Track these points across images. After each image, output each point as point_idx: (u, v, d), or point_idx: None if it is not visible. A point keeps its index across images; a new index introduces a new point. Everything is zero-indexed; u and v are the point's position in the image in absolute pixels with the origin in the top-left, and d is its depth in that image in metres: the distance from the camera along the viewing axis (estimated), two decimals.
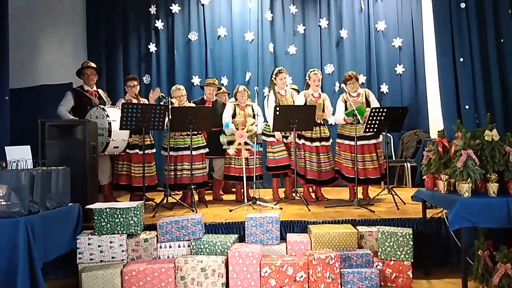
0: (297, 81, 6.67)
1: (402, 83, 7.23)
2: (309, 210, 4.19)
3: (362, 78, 7.06)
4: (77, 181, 3.63)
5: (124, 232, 3.35)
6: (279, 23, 7.17)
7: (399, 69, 7.23)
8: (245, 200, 4.68)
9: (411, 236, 3.28)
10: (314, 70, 5.15)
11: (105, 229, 3.34)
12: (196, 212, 4.18)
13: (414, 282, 3.28)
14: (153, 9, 7.07)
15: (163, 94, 4.94)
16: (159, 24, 7.03)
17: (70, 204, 3.38)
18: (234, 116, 5.01)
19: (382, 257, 3.32)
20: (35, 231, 2.76)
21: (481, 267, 3.02)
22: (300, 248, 3.41)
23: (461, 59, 3.89)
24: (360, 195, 4.86)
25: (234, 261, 3.18)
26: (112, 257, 3.30)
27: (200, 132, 4.97)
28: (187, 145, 4.71)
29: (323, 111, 5.10)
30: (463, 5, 3.90)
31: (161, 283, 3.16)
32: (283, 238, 3.59)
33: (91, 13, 6.70)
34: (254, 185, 4.72)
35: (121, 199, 5.07)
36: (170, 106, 4.46)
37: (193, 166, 4.65)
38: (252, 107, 5.16)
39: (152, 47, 7.02)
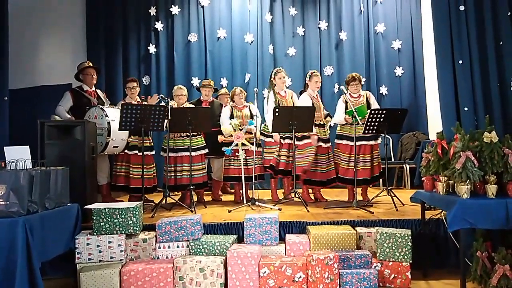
0: (297, 83, 6.70)
1: (401, 85, 7.24)
2: (308, 211, 4.19)
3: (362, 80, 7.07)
4: (76, 181, 3.63)
5: (123, 232, 3.35)
6: (279, 25, 7.19)
7: (399, 71, 7.24)
8: (244, 201, 4.68)
9: (410, 237, 3.29)
10: (315, 72, 5.18)
11: (103, 229, 3.34)
12: (195, 212, 4.18)
13: (413, 283, 3.28)
14: (153, 11, 7.08)
15: (162, 95, 4.95)
16: (159, 25, 7.04)
17: (69, 204, 3.38)
18: (232, 118, 5.02)
19: (381, 258, 3.32)
20: (34, 231, 2.76)
21: (480, 268, 3.02)
22: (299, 248, 3.41)
23: (460, 61, 3.90)
24: (359, 197, 4.86)
25: (233, 262, 3.18)
26: (111, 257, 3.30)
27: (199, 133, 4.97)
28: (187, 146, 4.71)
29: (322, 112, 5.14)
30: (462, 7, 3.91)
31: (159, 283, 3.16)
32: (282, 239, 3.59)
33: (91, 14, 6.71)
34: (253, 185, 4.72)
35: (120, 200, 5.06)
36: (169, 107, 4.46)
37: (192, 167, 4.65)
38: (249, 108, 5.17)
39: (152, 48, 7.03)
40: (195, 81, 6.95)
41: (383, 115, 4.44)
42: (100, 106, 4.62)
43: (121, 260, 3.31)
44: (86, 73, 4.99)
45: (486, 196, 2.89)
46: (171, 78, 6.97)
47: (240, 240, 3.61)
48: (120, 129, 4.34)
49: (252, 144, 4.81)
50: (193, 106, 5.17)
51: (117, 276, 3.13)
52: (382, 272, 3.29)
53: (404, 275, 3.27)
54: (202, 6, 7.10)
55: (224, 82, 6.97)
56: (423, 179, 3.44)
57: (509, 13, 3.85)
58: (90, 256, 3.28)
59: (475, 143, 2.95)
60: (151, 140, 5.12)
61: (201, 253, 3.40)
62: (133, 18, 7.03)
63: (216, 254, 3.37)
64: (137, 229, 3.40)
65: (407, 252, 3.27)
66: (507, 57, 3.79)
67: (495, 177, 2.88)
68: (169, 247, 3.43)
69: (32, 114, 5.35)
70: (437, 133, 3.31)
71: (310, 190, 5.20)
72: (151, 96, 5.14)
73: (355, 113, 4.48)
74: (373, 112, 4.43)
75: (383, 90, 7.19)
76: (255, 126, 4.91)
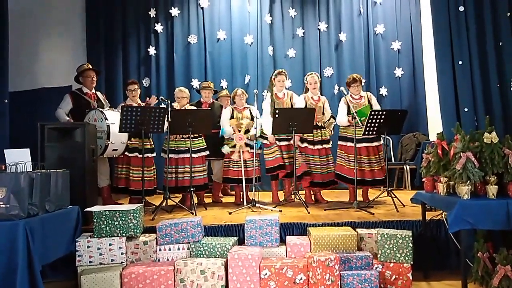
0: (297, 85, 6.70)
1: (401, 86, 7.24)
2: (309, 213, 4.19)
3: None
4: (76, 183, 3.63)
5: (124, 234, 3.35)
6: (279, 26, 7.19)
7: (398, 72, 7.24)
8: (245, 203, 4.68)
9: (411, 238, 3.28)
10: (311, 74, 5.20)
11: (104, 232, 3.33)
12: (196, 214, 4.18)
13: (414, 284, 3.28)
14: (152, 12, 7.08)
15: (162, 97, 4.95)
16: (159, 27, 7.05)
17: (69, 206, 3.38)
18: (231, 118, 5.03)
19: (382, 259, 3.32)
20: (34, 234, 2.76)
21: (481, 269, 3.02)
22: (299, 250, 3.40)
23: (460, 62, 3.91)
24: (359, 198, 4.85)
25: (234, 264, 3.17)
26: (112, 260, 3.29)
27: (200, 134, 4.97)
28: (188, 148, 4.71)
29: (323, 114, 5.13)
30: (461, 8, 3.92)
31: (160, 286, 3.16)
32: (282, 241, 3.58)
33: (91, 16, 6.72)
34: (254, 187, 4.71)
35: (121, 202, 5.06)
36: (169, 109, 4.46)
37: (193, 169, 4.65)
38: (250, 109, 5.17)
39: (152, 50, 7.03)
40: (195, 83, 6.95)
41: (383, 116, 4.44)
42: (100, 109, 4.62)
43: (121, 262, 3.30)
44: (85, 75, 4.99)
45: (487, 197, 2.89)
46: (171, 80, 6.98)
47: (241, 242, 3.61)
48: (120, 131, 4.34)
49: (252, 147, 4.80)
50: (194, 108, 5.17)
51: (117, 279, 3.13)
52: (383, 273, 3.29)
53: (405, 276, 3.26)
54: (202, 8, 7.11)
55: (224, 83, 6.97)
56: (423, 180, 3.44)
57: (509, 13, 3.86)
58: (90, 259, 3.28)
59: (476, 143, 2.95)
60: (152, 142, 5.12)
61: (201, 255, 3.40)
62: (133, 20, 7.04)
63: (217, 256, 3.36)
64: (138, 231, 3.39)
65: (408, 253, 3.27)
66: (507, 58, 3.80)
67: (495, 177, 2.88)
68: (169, 249, 3.43)
69: (32, 116, 5.35)
70: (437, 134, 3.30)
71: (312, 192, 5.19)
72: (149, 98, 5.13)
73: (355, 115, 4.48)
74: (373, 113, 4.43)
75: (383, 91, 7.19)
76: (255, 128, 4.91)
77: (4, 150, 3.14)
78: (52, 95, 5.53)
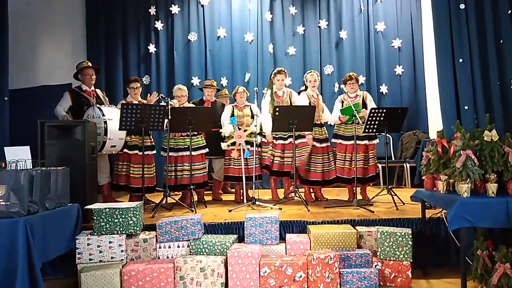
0: (297, 82, 6.69)
1: (402, 84, 7.23)
2: (308, 210, 4.19)
3: (362, 79, 7.07)
4: (77, 181, 3.63)
5: (123, 232, 3.35)
6: (279, 24, 7.18)
7: (399, 69, 7.23)
8: (245, 201, 4.68)
9: (410, 236, 3.29)
10: (311, 72, 5.20)
11: (104, 229, 3.34)
12: (196, 212, 4.18)
13: (413, 282, 3.28)
14: (152, 10, 7.07)
15: (162, 95, 4.95)
16: (159, 25, 7.04)
17: (69, 204, 3.38)
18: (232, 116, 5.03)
19: (381, 257, 3.32)
20: (34, 231, 2.76)
21: (480, 267, 3.02)
22: (299, 248, 3.41)
23: (461, 60, 3.90)
24: (359, 196, 4.86)
25: (234, 261, 3.18)
26: (111, 257, 3.30)
27: (200, 132, 4.97)
28: (187, 146, 4.71)
29: (322, 112, 5.15)
30: (462, 6, 3.91)
31: (160, 283, 3.16)
32: (282, 238, 3.59)
33: (91, 14, 6.71)
34: (254, 185, 4.71)
35: (121, 200, 5.06)
36: (169, 107, 4.45)
37: (192, 167, 4.65)
38: (250, 107, 5.16)
39: (152, 48, 7.02)
40: (195, 81, 6.95)
41: (383, 114, 4.43)
42: (97, 106, 4.61)
43: (121, 260, 3.31)
44: (85, 73, 4.98)
45: (487, 195, 2.89)
46: (171, 78, 6.97)
47: (241, 239, 3.61)
48: (120, 129, 4.34)
49: (252, 144, 4.80)
50: (193, 105, 5.17)
51: (117, 276, 3.13)
52: (382, 271, 3.29)
53: (405, 274, 3.27)
54: (202, 5, 7.10)
55: (224, 81, 6.97)
56: (423, 178, 3.43)
57: (510, 11, 3.85)
58: (90, 256, 3.28)
59: (476, 141, 2.95)
60: (152, 139, 5.11)
61: (201, 253, 3.40)
62: (133, 18, 7.03)
63: (217, 253, 3.37)
64: (138, 229, 3.40)
65: (408, 251, 3.27)
66: (508, 56, 3.80)
67: (495, 175, 2.88)
68: (169, 247, 3.43)
69: (32, 114, 5.35)
70: (437, 131, 3.30)
71: (311, 190, 5.19)
72: (150, 94, 5.13)
73: (355, 112, 4.48)
74: (373, 111, 4.43)
75: (383, 89, 7.18)
76: (255, 126, 4.91)
77: (4, 147, 3.14)
78: (52, 93, 5.51)
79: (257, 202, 4.49)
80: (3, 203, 2.72)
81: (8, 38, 4.19)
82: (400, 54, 7.26)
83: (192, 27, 7.07)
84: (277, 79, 5.06)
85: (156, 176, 5.13)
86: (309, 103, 4.98)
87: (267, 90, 5.25)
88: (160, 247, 3.43)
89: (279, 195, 5.23)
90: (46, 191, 3.02)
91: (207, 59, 7.04)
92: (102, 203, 3.78)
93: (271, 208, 4.38)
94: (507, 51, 3.85)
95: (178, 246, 3.44)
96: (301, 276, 3.13)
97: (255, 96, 4.90)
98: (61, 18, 6.32)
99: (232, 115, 5.04)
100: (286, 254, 3.42)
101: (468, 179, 2.84)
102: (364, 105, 4.91)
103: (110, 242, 3.30)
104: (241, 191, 5.01)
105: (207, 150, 5.03)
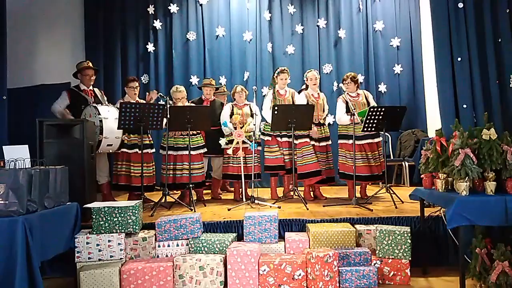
0: (296, 81, 6.69)
1: (400, 83, 7.25)
2: (308, 209, 4.20)
3: (360, 78, 7.08)
4: (75, 180, 3.62)
5: (122, 231, 3.35)
6: (278, 23, 7.18)
7: (397, 68, 7.24)
8: (244, 199, 4.68)
9: (409, 235, 3.29)
10: (311, 70, 5.19)
11: (103, 228, 3.33)
12: (195, 211, 4.18)
13: (412, 280, 3.29)
14: (151, 9, 7.07)
15: (161, 94, 4.95)
16: (157, 24, 7.04)
17: (68, 203, 3.37)
18: (232, 116, 5.02)
19: (380, 255, 3.33)
20: (33, 230, 2.75)
21: (479, 265, 3.03)
22: (298, 246, 3.41)
23: (459, 59, 3.91)
24: (358, 194, 4.86)
25: (233, 260, 3.18)
26: (111, 256, 3.30)
27: (199, 131, 4.97)
28: (187, 145, 4.70)
29: (323, 111, 5.15)
30: (461, 5, 3.92)
31: (159, 282, 3.16)
32: (281, 237, 3.60)
33: (89, 13, 6.71)
34: (253, 184, 4.72)
35: (120, 199, 5.06)
36: (168, 106, 4.45)
37: (191, 166, 4.65)
38: (250, 106, 5.17)
39: (150, 47, 7.02)
40: (194, 80, 6.95)
41: (382, 113, 4.43)
42: (94, 105, 4.60)
43: (120, 259, 3.31)
44: (85, 73, 4.97)
45: (485, 193, 2.89)
46: (170, 77, 6.98)
47: (240, 238, 3.61)
48: (119, 128, 4.33)
49: (252, 142, 4.80)
50: (193, 104, 5.17)
51: (117, 275, 3.13)
52: (381, 269, 3.30)
53: (404, 272, 3.28)
54: (201, 5, 7.10)
55: (223, 80, 6.97)
56: (422, 176, 3.44)
57: (508, 10, 3.86)
58: (89, 255, 3.28)
59: (474, 140, 2.95)
60: (151, 138, 5.11)
61: (200, 252, 3.40)
62: (132, 17, 7.03)
63: (216, 252, 3.37)
64: (137, 228, 3.40)
65: (407, 249, 3.28)
66: (506, 55, 3.80)
67: (494, 174, 2.88)
68: (168, 245, 3.43)
69: (31, 113, 5.35)
70: (436, 130, 3.31)
71: (311, 188, 5.20)
72: (148, 94, 5.12)
73: (355, 114, 4.50)
74: (372, 110, 4.43)
75: (382, 87, 7.19)
76: (254, 125, 4.91)
77: (3, 146, 3.14)
78: (51, 92, 5.51)
79: (256, 201, 4.49)
80: (2, 202, 2.71)
81: (7, 37, 4.19)
82: (398, 53, 7.28)
83: (191, 26, 7.07)
84: (280, 78, 5.07)
85: (155, 175, 5.13)
86: (307, 102, 4.98)
87: (269, 89, 5.25)
88: (159, 246, 3.43)
89: (278, 193, 5.23)
90: (45, 190, 3.02)
91: (205, 58, 7.04)
92: (101, 202, 3.77)
93: (270, 206, 4.38)
94: (505, 49, 3.85)
95: (177, 245, 3.44)
96: (300, 275, 3.14)
97: (254, 95, 4.91)
98: (60, 17, 6.32)
99: (232, 114, 5.04)
100: (285, 252, 3.43)
101: (467, 177, 2.84)
102: (368, 104, 4.92)
103: (109, 241, 3.30)
104: (240, 189, 5.02)
105: (205, 149, 5.04)
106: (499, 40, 3.89)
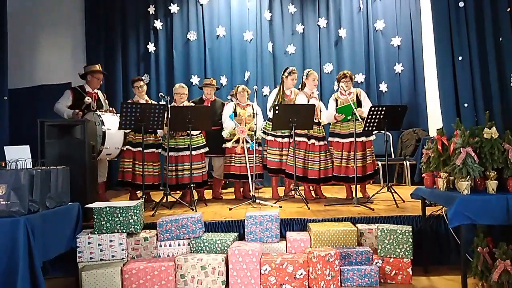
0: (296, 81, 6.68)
1: (401, 82, 7.24)
2: (309, 208, 4.20)
3: (361, 77, 7.09)
4: (77, 180, 3.63)
5: (124, 231, 3.35)
6: (278, 22, 7.18)
7: (398, 68, 7.24)
8: (251, 193, 4.63)
9: (411, 234, 3.29)
10: (311, 70, 5.22)
11: (104, 228, 3.34)
12: (196, 210, 4.18)
13: (414, 279, 3.29)
14: (152, 9, 7.07)
15: (162, 94, 4.95)
16: (158, 24, 7.04)
17: (69, 203, 3.37)
18: (234, 115, 5.03)
19: (382, 255, 3.33)
20: (35, 230, 2.76)
21: (481, 264, 3.02)
22: (299, 246, 3.41)
23: (460, 58, 3.91)
24: (359, 194, 4.86)
25: (234, 259, 3.18)
26: (112, 256, 3.30)
27: (200, 131, 4.97)
28: (187, 145, 4.71)
29: (320, 110, 5.15)
30: (461, 4, 3.91)
31: (161, 281, 3.17)
32: (282, 236, 3.60)
33: (90, 13, 6.71)
34: (254, 183, 4.71)
35: (120, 199, 5.07)
36: (169, 106, 4.45)
37: (192, 166, 4.65)
38: (252, 106, 5.17)
39: (151, 47, 7.03)
40: (195, 80, 6.95)
41: (383, 112, 4.43)
42: (98, 113, 4.58)
43: (122, 258, 3.31)
44: (96, 76, 5.00)
45: (487, 192, 2.89)
46: (170, 77, 6.98)
47: (241, 237, 3.61)
48: (119, 128, 4.34)
49: (253, 141, 4.80)
50: (193, 104, 5.17)
51: (118, 275, 3.14)
52: (383, 268, 3.30)
53: (405, 271, 3.28)
54: (201, 4, 7.10)
55: (223, 80, 6.97)
56: (423, 175, 3.44)
57: (509, 9, 3.85)
58: (91, 255, 3.28)
59: (475, 139, 2.95)
60: (157, 137, 5.12)
61: (202, 251, 3.41)
62: (132, 17, 7.04)
63: (217, 252, 3.37)
64: (138, 227, 3.40)
65: (408, 249, 3.28)
66: (507, 53, 3.80)
67: (495, 173, 2.88)
68: (170, 245, 3.44)
69: (32, 113, 5.35)
70: (437, 129, 3.30)
71: (312, 187, 5.20)
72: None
73: (354, 111, 4.49)
74: (373, 109, 4.43)
75: (383, 87, 7.19)
76: (255, 124, 4.91)
77: (4, 147, 3.14)
78: (52, 92, 5.52)
79: (257, 200, 4.49)
80: (4, 202, 2.72)
81: (8, 37, 4.19)
82: (399, 52, 7.27)
83: (192, 26, 7.07)
84: (291, 78, 5.08)
85: (160, 175, 5.14)
86: (307, 101, 4.99)
87: (278, 87, 5.28)
88: (160, 246, 3.43)
89: (279, 193, 5.23)
90: (47, 190, 3.02)
91: (206, 58, 7.04)
92: (103, 202, 3.78)
93: (272, 206, 4.38)
94: (506, 48, 3.84)
95: (179, 245, 3.44)
96: (301, 274, 3.14)
97: (254, 95, 4.90)
98: (60, 17, 6.33)
99: (235, 113, 5.04)
100: (286, 252, 3.43)
101: (468, 176, 2.84)
102: (358, 102, 4.91)
103: (110, 241, 3.31)
104: (241, 189, 5.02)
105: (207, 149, 5.03)
106: (500, 39, 3.89)
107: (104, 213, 3.35)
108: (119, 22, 6.95)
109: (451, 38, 3.99)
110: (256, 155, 4.87)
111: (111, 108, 4.99)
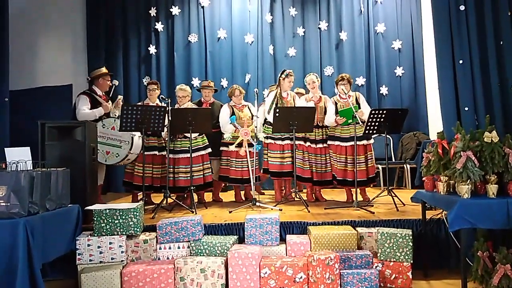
0: (297, 84, 6.65)
1: (402, 85, 7.24)
2: (309, 211, 4.19)
3: (362, 80, 7.10)
4: (77, 182, 3.63)
5: (124, 233, 3.35)
6: (279, 25, 7.19)
7: (399, 71, 7.24)
8: (253, 194, 4.62)
9: (411, 237, 3.29)
10: (310, 74, 5.23)
11: (104, 230, 3.34)
12: (196, 213, 4.18)
13: (414, 283, 3.28)
14: (153, 11, 7.08)
15: (162, 96, 4.96)
16: (159, 26, 7.05)
17: (69, 205, 3.38)
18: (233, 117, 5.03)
19: (382, 258, 3.32)
20: (35, 232, 2.76)
21: (481, 268, 3.02)
22: (299, 249, 3.41)
23: (461, 61, 3.89)
24: (359, 197, 4.85)
25: (234, 262, 3.18)
26: (112, 258, 3.30)
27: (199, 133, 4.97)
28: (185, 148, 4.72)
29: (325, 113, 5.13)
30: (462, 7, 3.91)
31: (160, 284, 3.16)
32: (282, 239, 3.59)
33: (91, 15, 6.72)
34: (254, 186, 4.71)
35: (120, 201, 5.06)
36: (169, 108, 4.46)
37: (192, 168, 4.65)
38: (248, 107, 5.17)
39: (152, 49, 7.03)
40: (195, 82, 6.96)
41: (383, 115, 4.44)
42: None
43: (122, 261, 3.31)
44: (106, 78, 5.11)
45: (487, 196, 2.89)
46: (171, 79, 6.98)
47: (241, 240, 3.61)
48: (120, 130, 4.34)
49: (252, 145, 4.80)
50: (195, 106, 5.18)
51: (118, 277, 3.13)
52: (383, 272, 3.29)
53: (405, 275, 3.27)
54: (202, 7, 7.11)
55: (224, 82, 6.98)
56: (423, 179, 3.44)
57: (510, 12, 3.85)
58: (91, 257, 3.28)
59: (476, 142, 2.95)
60: (161, 140, 5.13)
61: (202, 254, 3.40)
62: (133, 19, 7.05)
63: (217, 254, 3.37)
64: (138, 230, 3.40)
65: (408, 252, 3.27)
66: (508, 57, 3.79)
67: (495, 176, 2.88)
68: (170, 248, 3.43)
69: (33, 115, 5.34)
70: (438, 133, 3.31)
71: (316, 189, 5.19)
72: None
73: (355, 114, 4.50)
74: (373, 112, 4.44)
75: (384, 90, 7.19)
76: (256, 127, 4.91)
77: (5, 148, 3.15)
78: (53, 94, 5.53)
79: (257, 203, 4.48)
80: (4, 204, 2.72)
81: (9, 39, 4.20)
82: (400, 55, 7.27)
83: (192, 28, 7.08)
84: (288, 80, 5.07)
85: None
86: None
87: (270, 90, 5.26)
88: (160, 248, 3.43)
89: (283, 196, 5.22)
90: (47, 192, 3.02)
91: (207, 60, 7.05)
92: (102, 204, 3.78)
93: (272, 209, 4.38)
94: (507, 52, 3.84)
95: (179, 247, 3.43)
96: (301, 277, 3.13)
97: (255, 97, 4.90)
98: (61, 19, 6.33)
99: (232, 115, 5.04)
100: (286, 255, 3.42)
101: (469, 180, 2.84)
102: (358, 106, 4.91)
103: (110, 243, 3.30)
104: (242, 192, 5.01)
105: (209, 150, 5.04)
106: (501, 43, 3.88)
107: (104, 215, 3.34)
108: (120, 24, 6.96)
109: (452, 41, 3.98)
110: (257, 158, 4.87)
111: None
